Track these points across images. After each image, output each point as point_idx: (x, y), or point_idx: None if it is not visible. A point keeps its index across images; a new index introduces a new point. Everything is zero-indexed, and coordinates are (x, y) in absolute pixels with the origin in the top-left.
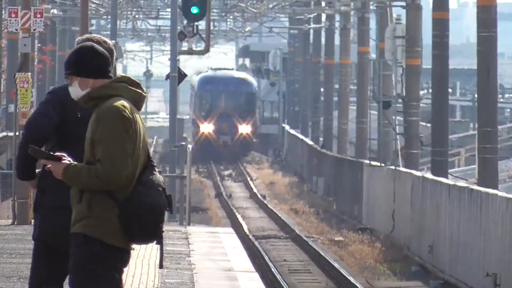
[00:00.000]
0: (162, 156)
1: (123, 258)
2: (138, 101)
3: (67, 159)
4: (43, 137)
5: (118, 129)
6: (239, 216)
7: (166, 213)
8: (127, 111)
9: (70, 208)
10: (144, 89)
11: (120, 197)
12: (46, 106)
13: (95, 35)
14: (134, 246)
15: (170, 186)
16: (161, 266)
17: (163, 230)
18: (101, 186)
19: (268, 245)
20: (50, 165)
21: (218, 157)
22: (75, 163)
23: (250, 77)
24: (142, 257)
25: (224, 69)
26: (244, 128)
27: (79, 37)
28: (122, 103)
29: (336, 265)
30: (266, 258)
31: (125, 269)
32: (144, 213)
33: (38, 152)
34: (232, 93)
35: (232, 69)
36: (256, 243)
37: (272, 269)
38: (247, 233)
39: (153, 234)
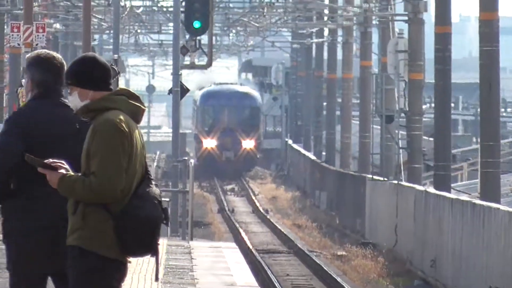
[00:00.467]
0: (165, 170)
1: (120, 270)
2: (136, 114)
3: (65, 167)
4: (11, 170)
5: (114, 142)
6: (241, 231)
7: (169, 228)
8: (123, 124)
9: (45, 229)
10: (145, 102)
11: (115, 209)
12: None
13: (44, 50)
14: (132, 259)
15: (173, 200)
16: (156, 279)
17: (159, 243)
18: (94, 199)
19: (271, 259)
20: (46, 174)
21: (221, 173)
22: (71, 173)
23: (254, 91)
24: (145, 271)
25: (227, 83)
26: (248, 143)
27: (28, 55)
28: (119, 116)
29: (339, 279)
30: (269, 272)
31: (123, 282)
32: (140, 225)
33: (34, 160)
34: (236, 107)
35: (236, 83)
36: (259, 257)
37: (275, 284)
38: (250, 247)
39: (148, 246)
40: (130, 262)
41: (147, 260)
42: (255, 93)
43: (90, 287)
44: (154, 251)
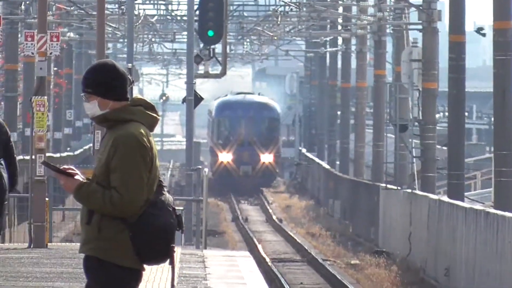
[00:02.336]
0: (179, 179)
1: (136, 278)
2: (152, 124)
3: (78, 175)
4: None
5: (136, 158)
6: (255, 240)
7: (183, 236)
8: (144, 139)
9: None
10: (158, 111)
11: (131, 219)
12: None
13: None
14: (146, 267)
15: (187, 209)
16: (172, 286)
17: (175, 250)
18: (113, 212)
19: (285, 268)
20: (61, 180)
21: (238, 189)
22: (88, 182)
23: (272, 101)
24: (159, 280)
25: (244, 93)
26: (266, 157)
27: None
28: (140, 130)
29: None
30: (283, 281)
31: None
32: (155, 234)
33: (49, 166)
34: (253, 119)
35: (253, 92)
36: (272, 266)
37: None
38: (264, 256)
39: (165, 254)
40: (144, 270)
41: (160, 268)
42: (274, 103)
43: None
44: (170, 259)
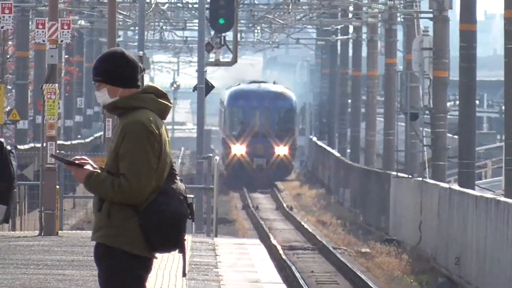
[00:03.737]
0: (189, 167)
1: (146, 266)
2: (163, 112)
3: (89, 163)
4: None
5: (144, 144)
6: (266, 228)
7: (194, 225)
8: (153, 125)
9: None
10: (171, 99)
11: (141, 206)
12: None
13: None
14: (157, 255)
15: (197, 197)
16: (184, 274)
17: (185, 238)
18: (122, 199)
19: (295, 256)
20: (72, 171)
21: (251, 183)
22: (98, 171)
23: (288, 90)
24: (170, 268)
25: (258, 82)
26: (282, 150)
27: None
28: (148, 117)
29: (363, 276)
30: (293, 269)
31: (148, 277)
32: (165, 222)
33: (59, 159)
34: (268, 109)
35: (267, 81)
36: (283, 254)
37: (300, 281)
38: (275, 244)
39: (175, 242)
40: (156, 258)
41: (172, 257)
42: (290, 93)
43: (118, 284)
44: (180, 247)
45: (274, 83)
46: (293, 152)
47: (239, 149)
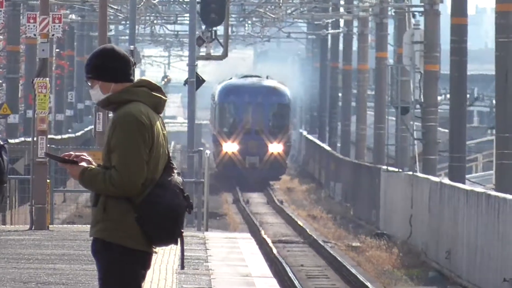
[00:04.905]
0: (180, 161)
1: (145, 260)
2: (158, 105)
3: (86, 159)
4: None
5: (134, 136)
6: (256, 222)
7: (185, 218)
8: (143, 117)
9: None
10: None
11: (136, 200)
12: None
13: None
14: (156, 249)
15: (188, 191)
16: (182, 267)
17: (183, 231)
18: (115, 192)
19: (286, 250)
20: (67, 168)
21: (244, 182)
22: (92, 166)
23: (282, 85)
24: (160, 262)
25: (251, 76)
26: (275, 147)
27: None
28: (140, 109)
29: (353, 270)
30: (284, 263)
31: (147, 271)
32: (161, 214)
33: (53, 157)
34: (261, 105)
35: (260, 76)
36: (273, 248)
37: (290, 274)
38: (265, 238)
39: (172, 235)
40: (156, 252)
41: (162, 250)
42: (284, 88)
43: (116, 278)
44: (178, 240)
45: (267, 77)
46: (287, 150)
47: (230, 147)
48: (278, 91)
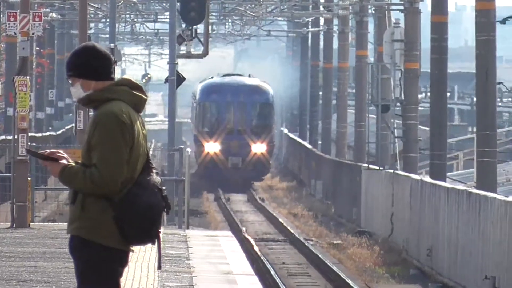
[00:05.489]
0: (161, 159)
1: (122, 258)
2: (138, 104)
3: (65, 157)
4: None
5: (115, 134)
6: (237, 220)
7: (165, 217)
8: (124, 116)
9: None
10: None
11: (114, 198)
12: None
13: None
14: (133, 248)
15: (169, 189)
16: (159, 267)
17: (160, 231)
18: (95, 190)
19: (267, 248)
20: (47, 165)
21: (226, 183)
22: (72, 164)
23: (265, 84)
24: (141, 260)
25: (233, 74)
26: (259, 147)
27: None
28: (120, 107)
29: (334, 268)
30: (265, 261)
31: (124, 271)
32: (139, 214)
33: (34, 154)
34: (243, 104)
35: (242, 74)
36: (255, 246)
37: (271, 272)
38: (246, 236)
39: (148, 235)
40: (133, 251)
41: (143, 248)
42: (267, 86)
43: (93, 276)
44: (155, 239)
45: (249, 76)
46: (271, 150)
47: (212, 147)
48: (261, 89)
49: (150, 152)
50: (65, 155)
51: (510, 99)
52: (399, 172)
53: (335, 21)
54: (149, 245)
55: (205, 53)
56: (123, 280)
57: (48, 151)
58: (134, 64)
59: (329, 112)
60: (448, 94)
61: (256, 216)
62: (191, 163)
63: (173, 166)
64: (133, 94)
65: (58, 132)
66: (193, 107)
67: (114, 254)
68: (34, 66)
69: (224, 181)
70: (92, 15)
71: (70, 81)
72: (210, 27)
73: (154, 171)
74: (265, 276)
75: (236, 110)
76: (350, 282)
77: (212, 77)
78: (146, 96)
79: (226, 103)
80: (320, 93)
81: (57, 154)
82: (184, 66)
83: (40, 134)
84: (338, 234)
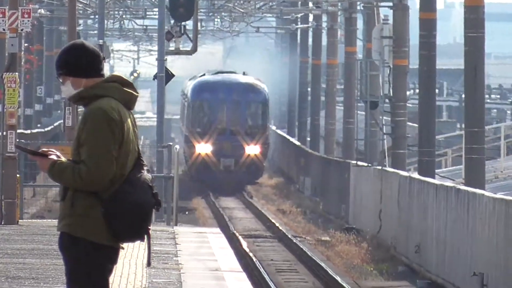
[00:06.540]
0: (149, 156)
1: (111, 255)
2: (129, 101)
3: (55, 154)
4: None
5: (104, 131)
6: (226, 217)
7: (154, 213)
8: (114, 112)
9: None
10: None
11: (104, 195)
12: None
13: None
14: (124, 245)
15: (158, 186)
16: (148, 264)
17: (150, 228)
18: (83, 186)
19: (255, 245)
20: (37, 161)
21: (218, 186)
22: (61, 160)
23: (259, 82)
24: (130, 256)
25: (226, 72)
26: (252, 149)
27: None
28: (110, 104)
29: (323, 265)
30: (253, 258)
31: (114, 267)
32: (128, 211)
33: (23, 149)
34: (237, 103)
35: (235, 71)
36: (243, 243)
37: (259, 269)
38: (234, 233)
39: (138, 232)
40: (123, 248)
41: (132, 245)
42: (262, 85)
43: (83, 273)
44: (144, 237)
45: (244, 73)
46: (265, 152)
47: (204, 148)
48: (256, 88)
49: (140, 150)
50: (58, 153)
51: (498, 95)
52: (388, 168)
53: (324, 18)
54: (138, 242)
55: (194, 50)
56: (111, 277)
57: (42, 149)
58: (123, 60)
59: (318, 109)
60: (437, 90)
61: (244, 213)
62: (180, 160)
63: (162, 163)
64: (124, 91)
65: (46, 129)
66: (184, 106)
67: (104, 251)
68: (22, 63)
69: (216, 184)
70: (80, 12)
71: (60, 80)
72: (199, 24)
73: (145, 168)
74: (253, 273)
75: (229, 109)
76: (338, 279)
77: (203, 75)
78: (137, 93)
79: (218, 102)
80: (309, 89)
81: (49, 152)
82: (173, 63)
83: (28, 131)
84: (326, 230)
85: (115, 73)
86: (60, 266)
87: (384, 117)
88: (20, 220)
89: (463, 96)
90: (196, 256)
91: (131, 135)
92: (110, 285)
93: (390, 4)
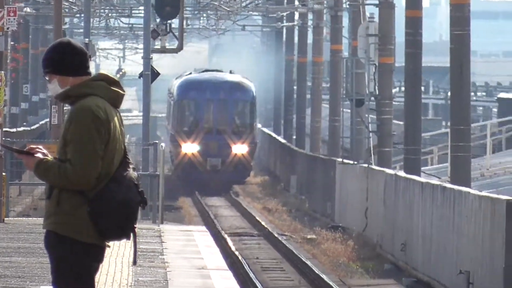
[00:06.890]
0: (135, 154)
1: (97, 254)
2: (115, 99)
3: (42, 152)
4: None
5: (90, 130)
6: (212, 215)
7: (140, 211)
8: (100, 111)
9: None
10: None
11: (90, 194)
12: None
13: None
14: (110, 243)
15: (143, 184)
16: (134, 262)
17: (136, 226)
18: (68, 184)
19: (241, 243)
20: (23, 159)
21: (204, 186)
22: (47, 158)
23: (247, 80)
24: (116, 255)
25: (212, 70)
26: (239, 148)
27: None
28: (96, 103)
29: (308, 263)
30: (239, 256)
31: (100, 265)
32: (114, 209)
33: (9, 148)
34: (224, 102)
35: (222, 70)
36: (229, 241)
37: (245, 267)
38: (220, 231)
39: (124, 230)
40: (109, 246)
41: (118, 243)
42: (249, 83)
43: (69, 271)
44: (130, 235)
45: (230, 72)
46: (252, 151)
47: (190, 148)
48: (243, 87)
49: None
50: (45, 151)
51: (484, 93)
52: (374, 166)
53: (310, 16)
54: (124, 240)
55: (179, 48)
56: (97, 275)
57: (29, 146)
58: (109, 59)
59: (304, 107)
60: (423, 88)
61: (230, 211)
62: (166, 159)
63: (148, 161)
64: (110, 89)
65: (32, 127)
66: (170, 105)
67: (90, 249)
68: (8, 61)
69: (202, 184)
70: (66, 10)
71: (47, 78)
72: (184, 22)
73: (131, 166)
74: (239, 271)
75: (216, 108)
76: (324, 277)
77: (190, 73)
78: (124, 92)
79: (205, 101)
80: (295, 87)
81: (36, 149)
82: (159, 61)
83: (14, 129)
84: (312, 229)
85: (101, 71)
86: (46, 265)
87: (370, 115)
88: (6, 218)
89: (449, 94)
90: (182, 254)
91: (117, 133)
92: (96, 283)
93: (376, 2)
